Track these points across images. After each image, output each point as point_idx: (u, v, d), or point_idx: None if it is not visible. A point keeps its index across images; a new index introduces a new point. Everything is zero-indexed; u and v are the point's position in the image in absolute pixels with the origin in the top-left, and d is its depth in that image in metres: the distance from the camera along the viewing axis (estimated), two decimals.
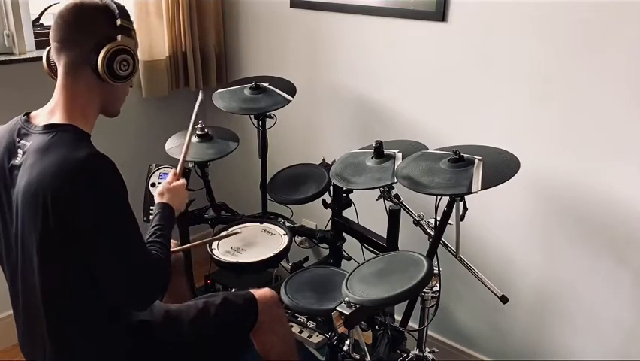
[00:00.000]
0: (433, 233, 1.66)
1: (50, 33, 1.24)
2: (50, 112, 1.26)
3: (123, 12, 1.25)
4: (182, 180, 1.56)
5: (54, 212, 1.13)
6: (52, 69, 1.32)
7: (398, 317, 1.84)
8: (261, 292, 1.58)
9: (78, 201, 1.14)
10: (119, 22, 1.23)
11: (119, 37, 1.23)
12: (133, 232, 1.22)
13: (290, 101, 2.12)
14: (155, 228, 1.36)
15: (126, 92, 1.37)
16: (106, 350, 1.33)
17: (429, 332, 1.82)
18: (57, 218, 1.14)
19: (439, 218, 1.61)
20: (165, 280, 1.29)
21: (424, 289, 1.62)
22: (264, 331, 1.55)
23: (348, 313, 1.31)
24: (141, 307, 1.33)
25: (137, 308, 1.36)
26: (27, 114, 1.29)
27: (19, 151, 1.23)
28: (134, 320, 1.39)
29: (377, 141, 1.74)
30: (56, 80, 1.29)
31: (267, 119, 2.17)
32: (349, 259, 2.16)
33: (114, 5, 1.24)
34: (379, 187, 1.73)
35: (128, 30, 1.26)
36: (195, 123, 1.81)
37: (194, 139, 2.08)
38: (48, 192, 1.13)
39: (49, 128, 1.21)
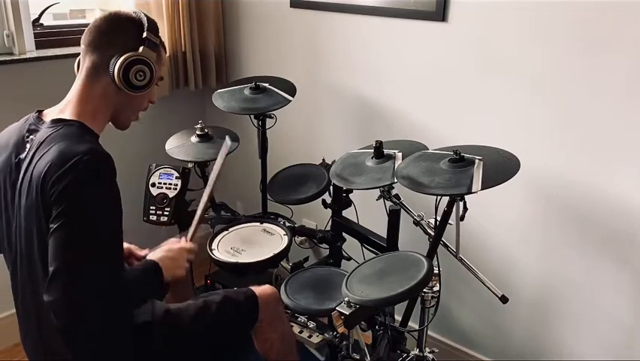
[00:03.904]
0: (433, 233, 1.66)
1: (82, 37, 1.28)
2: (61, 110, 1.27)
3: (152, 26, 1.29)
4: (191, 245, 1.47)
5: (42, 196, 1.12)
6: None
7: (398, 317, 1.84)
8: (261, 289, 1.57)
9: (60, 188, 1.10)
10: (145, 34, 1.27)
11: (141, 49, 1.26)
12: (108, 241, 1.13)
13: (290, 101, 2.12)
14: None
15: (141, 107, 1.38)
16: (108, 350, 1.32)
17: (429, 332, 1.82)
18: (44, 203, 1.12)
19: (439, 218, 1.61)
20: (110, 319, 1.12)
21: (424, 289, 1.62)
22: (265, 328, 1.55)
23: (348, 313, 1.31)
24: (66, 339, 1.11)
25: (63, 339, 1.12)
26: (39, 112, 1.31)
27: (27, 146, 1.24)
28: (135, 321, 1.38)
29: (377, 140, 1.74)
30: None
31: (267, 119, 2.17)
32: (349, 259, 2.16)
33: (146, 19, 1.29)
34: (379, 187, 1.73)
35: (153, 44, 1.29)
36: (219, 178, 1.61)
37: (194, 139, 2.09)
38: (41, 177, 1.12)
39: (56, 122, 1.23)
